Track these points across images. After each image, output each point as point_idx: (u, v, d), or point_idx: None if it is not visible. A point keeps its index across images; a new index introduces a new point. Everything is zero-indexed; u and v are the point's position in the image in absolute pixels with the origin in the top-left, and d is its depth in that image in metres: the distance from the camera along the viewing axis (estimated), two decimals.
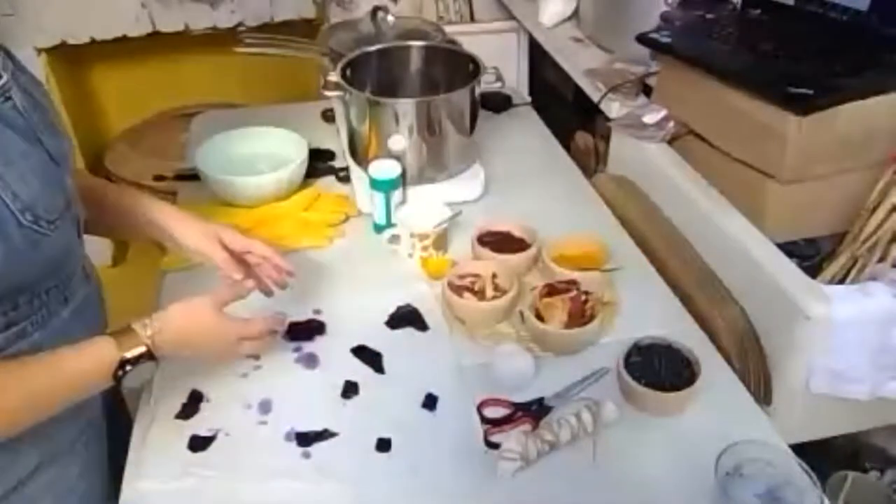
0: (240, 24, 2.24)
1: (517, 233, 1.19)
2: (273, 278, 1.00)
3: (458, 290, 1.07)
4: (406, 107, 1.24)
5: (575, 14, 1.72)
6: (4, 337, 0.75)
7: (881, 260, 1.05)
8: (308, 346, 1.03)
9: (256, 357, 1.00)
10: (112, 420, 0.97)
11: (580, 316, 1.01)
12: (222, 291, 0.89)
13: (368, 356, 1.02)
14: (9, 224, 0.68)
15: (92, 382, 0.77)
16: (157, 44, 2.25)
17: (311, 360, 1.01)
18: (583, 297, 1.02)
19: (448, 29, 1.61)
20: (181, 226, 0.96)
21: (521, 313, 1.04)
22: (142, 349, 0.77)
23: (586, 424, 0.88)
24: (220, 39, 2.10)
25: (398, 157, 1.26)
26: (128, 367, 0.77)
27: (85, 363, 0.76)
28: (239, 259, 0.98)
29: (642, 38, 1.27)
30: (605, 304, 1.07)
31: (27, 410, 0.74)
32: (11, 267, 0.69)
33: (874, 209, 1.06)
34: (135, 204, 0.97)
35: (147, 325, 0.79)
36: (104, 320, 0.93)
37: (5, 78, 0.73)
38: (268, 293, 1.01)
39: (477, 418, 0.92)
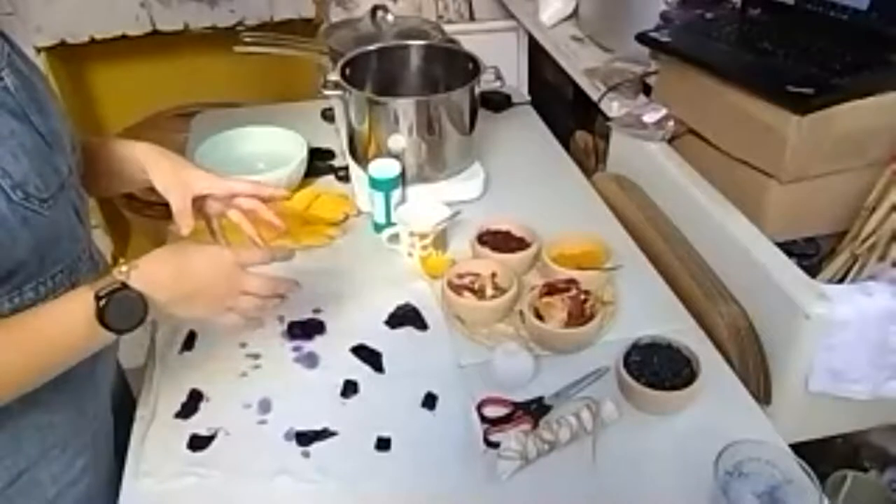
0: (239, 24, 2.24)
1: (517, 232, 1.19)
2: (268, 223, 0.98)
3: (457, 289, 1.07)
4: (406, 106, 1.24)
5: (574, 13, 1.72)
6: None
7: (881, 259, 1.05)
8: (308, 346, 1.03)
9: (256, 356, 1.01)
10: (121, 416, 0.97)
11: (580, 315, 1.01)
12: None
13: (368, 355, 1.02)
14: None
15: (79, 330, 0.72)
16: (156, 43, 2.25)
17: (310, 360, 1.01)
18: (582, 297, 1.02)
19: (448, 28, 1.61)
20: (156, 166, 0.92)
21: (521, 312, 1.04)
22: (115, 285, 0.72)
23: (586, 424, 0.88)
24: (220, 39, 2.10)
25: (398, 157, 1.26)
26: (101, 303, 0.71)
27: (66, 310, 0.72)
28: (216, 209, 0.96)
29: (642, 38, 1.27)
30: (605, 303, 1.07)
31: (22, 369, 0.71)
32: (3, 244, 0.69)
33: (874, 208, 1.06)
34: (120, 154, 0.94)
35: (123, 263, 0.75)
36: None
37: None
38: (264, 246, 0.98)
39: (476, 417, 0.92)
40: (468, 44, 1.45)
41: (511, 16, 1.96)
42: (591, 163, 1.60)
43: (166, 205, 0.95)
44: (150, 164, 0.93)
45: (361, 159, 1.32)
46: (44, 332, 0.72)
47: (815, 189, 1.09)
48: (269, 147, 1.39)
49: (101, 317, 0.71)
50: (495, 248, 1.14)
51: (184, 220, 0.92)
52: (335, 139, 1.50)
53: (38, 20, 2.09)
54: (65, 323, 0.72)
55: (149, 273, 0.75)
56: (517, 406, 0.93)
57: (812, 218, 1.13)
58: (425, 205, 1.23)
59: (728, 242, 1.09)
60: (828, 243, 1.16)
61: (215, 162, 1.31)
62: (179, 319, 0.82)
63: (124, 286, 0.73)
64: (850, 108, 1.02)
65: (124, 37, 2.19)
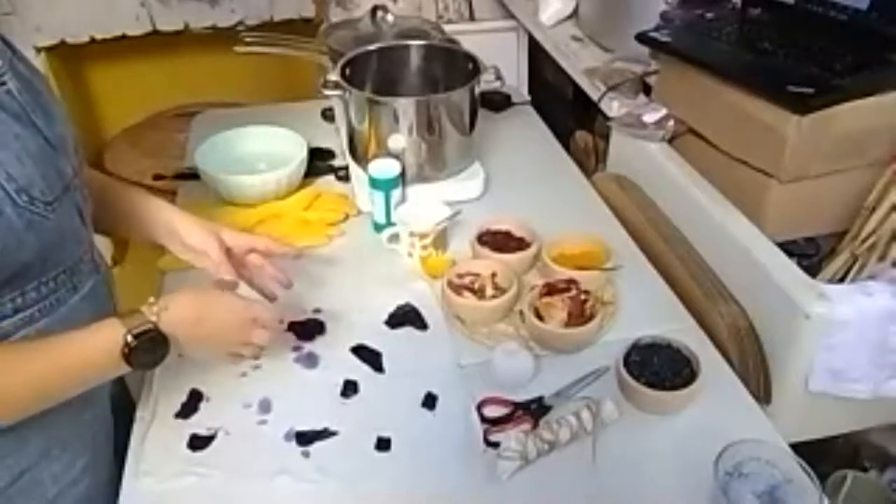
0: (239, 23, 2.24)
1: (517, 232, 1.19)
2: (276, 279, 1.01)
3: (457, 289, 1.07)
4: (406, 106, 1.24)
5: (574, 13, 1.72)
6: (12, 323, 0.75)
7: (881, 259, 1.05)
8: (308, 346, 1.03)
9: (256, 356, 1.00)
10: (121, 417, 0.97)
11: (580, 315, 1.01)
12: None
13: (368, 355, 1.02)
14: (3, 204, 0.68)
15: (100, 363, 0.76)
16: (156, 43, 2.25)
17: (310, 360, 1.01)
18: (582, 297, 1.02)
19: (447, 28, 1.61)
20: (185, 223, 0.97)
21: (521, 312, 1.04)
22: (148, 326, 0.77)
23: (586, 423, 0.88)
24: (220, 38, 2.10)
25: (398, 156, 1.26)
26: (132, 342, 0.75)
27: (90, 343, 0.75)
28: (236, 263, 0.98)
29: (642, 37, 1.27)
30: (605, 303, 1.07)
31: (33, 395, 0.74)
32: (8, 247, 0.70)
33: (874, 208, 1.06)
34: (135, 202, 0.97)
35: (153, 303, 0.79)
36: (113, 310, 0.92)
37: (0, 63, 0.73)
38: (272, 298, 1.01)
39: (476, 417, 0.92)
40: (468, 44, 1.45)
41: (511, 16, 1.96)
42: (591, 163, 1.60)
43: None
44: (180, 223, 0.97)
45: (361, 159, 1.32)
46: (72, 357, 0.75)
47: (815, 189, 1.09)
48: (269, 147, 1.39)
49: (128, 355, 0.75)
50: (495, 248, 1.14)
51: (227, 271, 0.95)
52: (335, 139, 1.50)
53: (38, 20, 2.08)
54: (93, 352, 0.75)
55: (177, 317, 0.79)
56: (517, 406, 0.93)
57: (812, 218, 1.13)
58: (425, 205, 1.23)
59: (728, 242, 1.09)
60: (828, 243, 1.16)
61: (215, 162, 1.31)
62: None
63: (155, 328, 0.77)
64: (850, 108, 1.02)
65: (124, 37, 2.18)
